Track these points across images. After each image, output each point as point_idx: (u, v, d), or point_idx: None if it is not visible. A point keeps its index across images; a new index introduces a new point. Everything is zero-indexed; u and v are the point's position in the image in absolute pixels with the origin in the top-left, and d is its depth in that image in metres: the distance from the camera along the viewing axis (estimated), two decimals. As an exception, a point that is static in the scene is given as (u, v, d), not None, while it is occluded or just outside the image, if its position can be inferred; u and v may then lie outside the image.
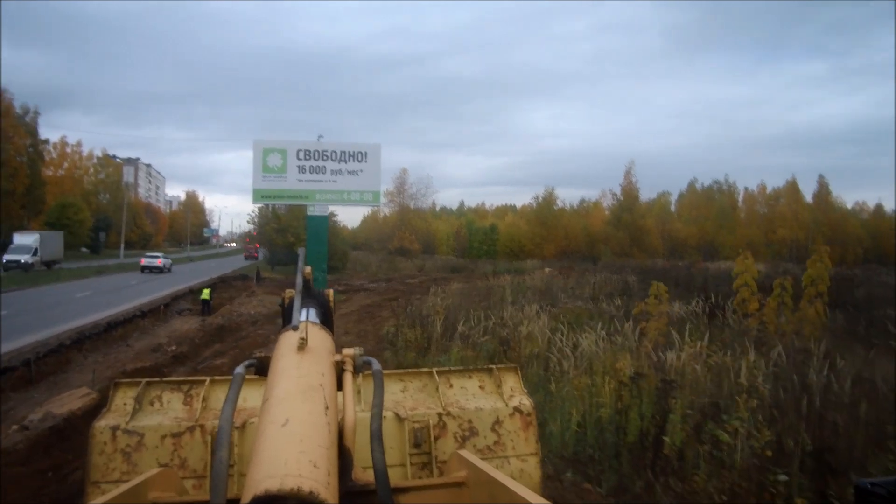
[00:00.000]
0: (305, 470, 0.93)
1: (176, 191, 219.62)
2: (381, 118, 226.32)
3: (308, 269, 1.95)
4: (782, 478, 4.62)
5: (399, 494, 1.54)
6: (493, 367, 2.59)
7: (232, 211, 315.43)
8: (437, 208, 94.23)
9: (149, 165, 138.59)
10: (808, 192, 79.99)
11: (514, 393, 2.47)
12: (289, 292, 1.89)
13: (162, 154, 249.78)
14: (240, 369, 1.43)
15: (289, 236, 43.19)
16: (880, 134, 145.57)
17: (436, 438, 2.29)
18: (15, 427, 7.91)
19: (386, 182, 76.45)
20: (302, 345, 1.36)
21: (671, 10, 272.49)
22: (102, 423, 2.27)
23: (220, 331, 18.18)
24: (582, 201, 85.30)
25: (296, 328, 1.45)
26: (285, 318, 1.82)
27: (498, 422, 2.35)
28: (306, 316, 1.68)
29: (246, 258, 77.69)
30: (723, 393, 6.02)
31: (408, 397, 2.48)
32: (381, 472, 1.25)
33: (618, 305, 13.11)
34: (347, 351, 1.49)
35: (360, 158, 30.12)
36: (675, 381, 5.61)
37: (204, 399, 2.40)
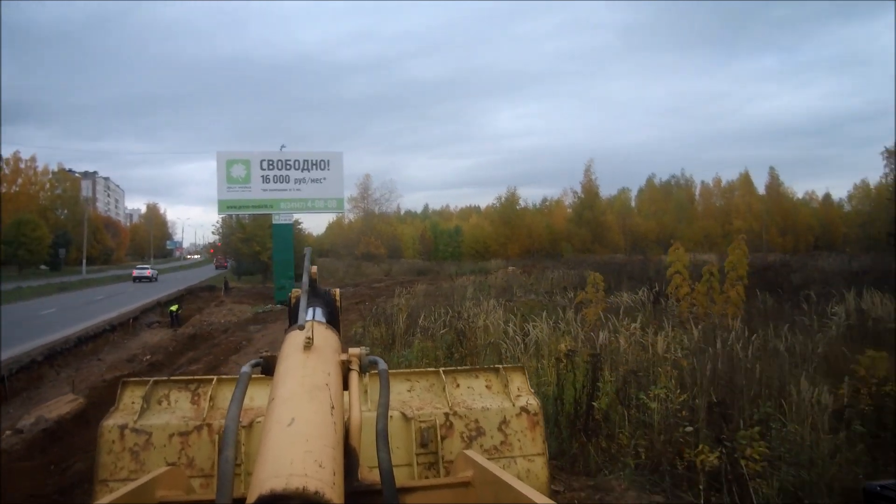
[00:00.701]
0: (311, 470, 0.93)
1: (136, 203, 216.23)
2: (346, 123, 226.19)
3: (314, 268, 1.98)
4: (689, 429, 5.51)
5: (405, 494, 1.54)
6: (500, 366, 2.61)
7: (195, 222, 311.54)
8: (402, 212, 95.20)
9: (107, 179, 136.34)
10: (761, 183, 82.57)
11: (521, 393, 2.49)
12: (295, 291, 1.92)
13: (120, 167, 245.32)
14: (246, 368, 1.44)
15: (254, 245, 43.39)
16: (828, 126, 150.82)
17: (442, 438, 2.30)
18: (9, 432, 8.47)
19: (350, 188, 76.95)
20: (308, 344, 1.38)
21: (627, 11, 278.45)
22: (110, 422, 2.29)
23: (193, 339, 18.64)
24: (544, 200, 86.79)
25: (302, 327, 1.46)
26: (292, 317, 1.84)
27: (505, 422, 2.36)
28: (312, 315, 1.71)
29: (217, 268, 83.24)
30: (648, 365, 6.93)
31: (414, 397, 2.49)
32: (386, 471, 1.27)
33: (570, 298, 14.02)
34: (353, 350, 1.51)
35: (322, 166, 31.05)
36: (600, 356, 6.47)
37: (211, 398, 2.43)
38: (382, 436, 1.34)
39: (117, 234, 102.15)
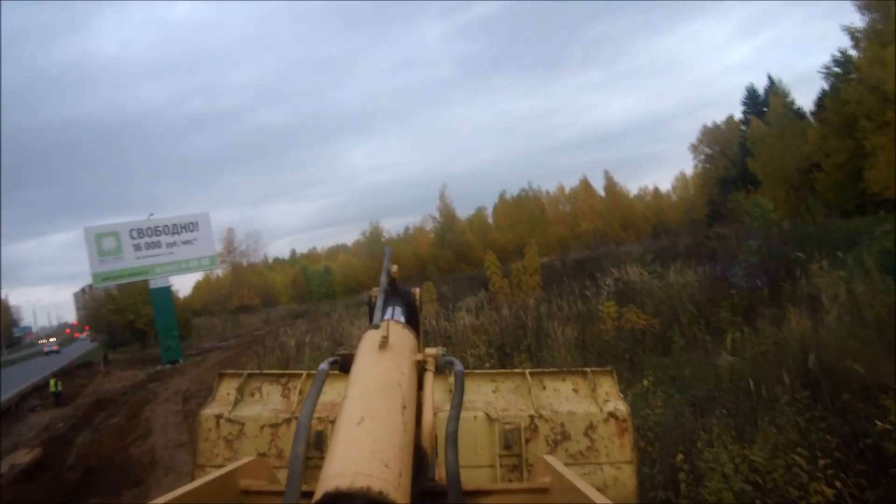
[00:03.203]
0: (377, 469, 0.93)
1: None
2: (198, 180, 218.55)
3: (394, 267, 1.97)
4: (489, 363, 8.91)
5: (478, 497, 1.49)
6: (588, 370, 2.57)
7: (47, 303, 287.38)
8: (271, 260, 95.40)
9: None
10: (600, 186, 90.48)
11: (610, 397, 2.46)
12: (374, 291, 1.89)
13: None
14: (323, 366, 1.39)
15: (128, 314, 43.45)
16: (649, 126, 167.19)
17: (527, 441, 2.29)
18: None
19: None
20: (383, 343, 1.35)
21: (461, 42, 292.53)
22: (208, 412, 2.41)
23: (98, 404, 19.81)
24: (407, 229, 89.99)
25: (377, 326, 1.45)
26: (371, 316, 1.79)
27: (591, 427, 2.34)
28: (391, 315, 1.69)
29: (92, 340, 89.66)
30: (468, 335, 10.36)
31: (499, 398, 2.47)
32: (453, 474, 1.24)
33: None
34: (430, 350, 1.47)
35: (191, 228, 32.95)
36: (429, 334, 9.79)
37: (300, 392, 2.51)
38: (451, 438, 1.28)
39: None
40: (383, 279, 1.86)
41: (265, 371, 2.71)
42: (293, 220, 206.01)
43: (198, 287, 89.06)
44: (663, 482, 4.51)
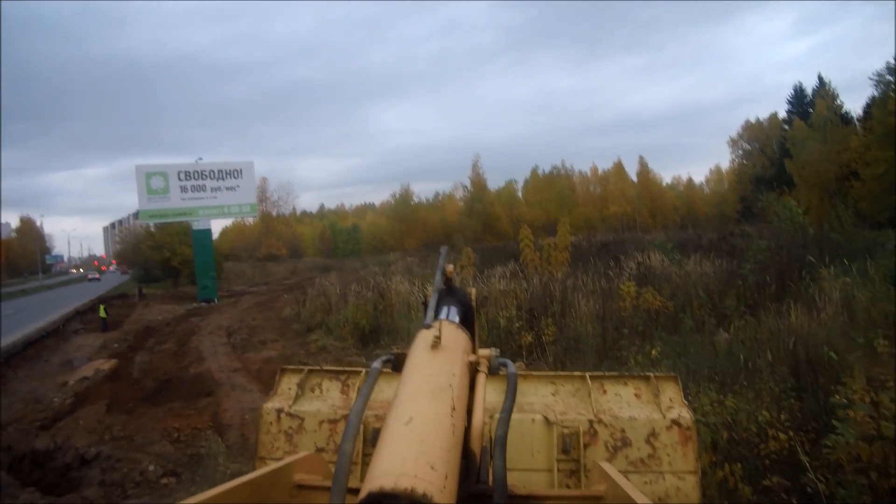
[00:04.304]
0: (422, 471, 0.93)
1: (5, 217, 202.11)
2: (232, 127, 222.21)
3: (450, 267, 1.91)
4: (518, 325, 10.08)
5: (531, 502, 1.48)
6: (651, 374, 2.54)
7: (80, 234, 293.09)
8: (299, 213, 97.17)
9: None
10: (633, 170, 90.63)
11: (674, 404, 2.39)
12: (430, 290, 1.84)
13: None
14: (377, 364, 1.42)
15: (165, 252, 45.31)
16: (688, 117, 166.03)
17: (585, 446, 2.26)
18: (76, 379, 11.85)
19: (246, 192, 78.43)
20: (435, 343, 1.35)
21: (507, 12, 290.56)
22: (269, 406, 2.52)
23: (146, 331, 21.50)
24: (437, 194, 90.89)
25: (429, 326, 1.45)
26: (427, 315, 1.72)
27: (653, 434, 2.28)
28: (446, 314, 1.68)
29: (122, 273, 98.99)
30: (499, 297, 11.55)
31: (558, 401, 2.45)
32: (499, 479, 1.21)
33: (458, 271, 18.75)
34: (483, 351, 1.48)
35: (235, 175, 34.36)
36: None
37: (359, 389, 2.52)
38: (500, 442, 1.25)
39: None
40: (438, 278, 1.83)
41: (326, 367, 2.80)
42: (322, 175, 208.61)
43: (225, 233, 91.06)
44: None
